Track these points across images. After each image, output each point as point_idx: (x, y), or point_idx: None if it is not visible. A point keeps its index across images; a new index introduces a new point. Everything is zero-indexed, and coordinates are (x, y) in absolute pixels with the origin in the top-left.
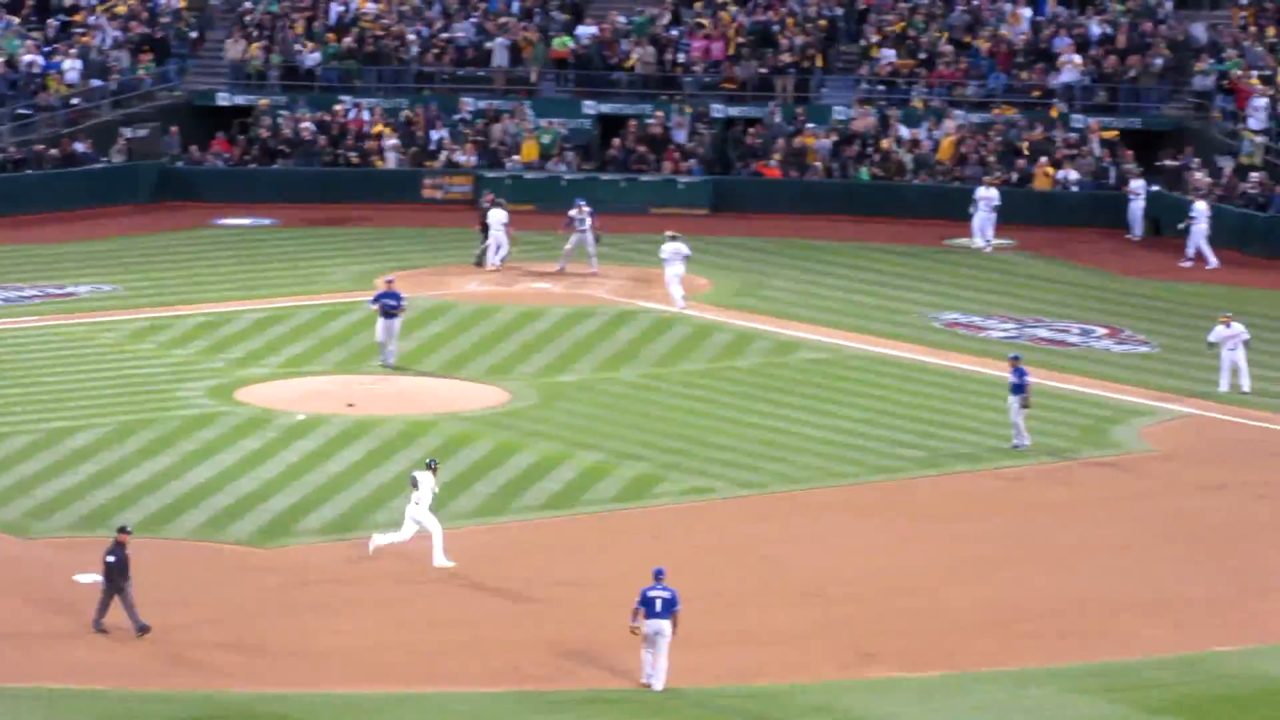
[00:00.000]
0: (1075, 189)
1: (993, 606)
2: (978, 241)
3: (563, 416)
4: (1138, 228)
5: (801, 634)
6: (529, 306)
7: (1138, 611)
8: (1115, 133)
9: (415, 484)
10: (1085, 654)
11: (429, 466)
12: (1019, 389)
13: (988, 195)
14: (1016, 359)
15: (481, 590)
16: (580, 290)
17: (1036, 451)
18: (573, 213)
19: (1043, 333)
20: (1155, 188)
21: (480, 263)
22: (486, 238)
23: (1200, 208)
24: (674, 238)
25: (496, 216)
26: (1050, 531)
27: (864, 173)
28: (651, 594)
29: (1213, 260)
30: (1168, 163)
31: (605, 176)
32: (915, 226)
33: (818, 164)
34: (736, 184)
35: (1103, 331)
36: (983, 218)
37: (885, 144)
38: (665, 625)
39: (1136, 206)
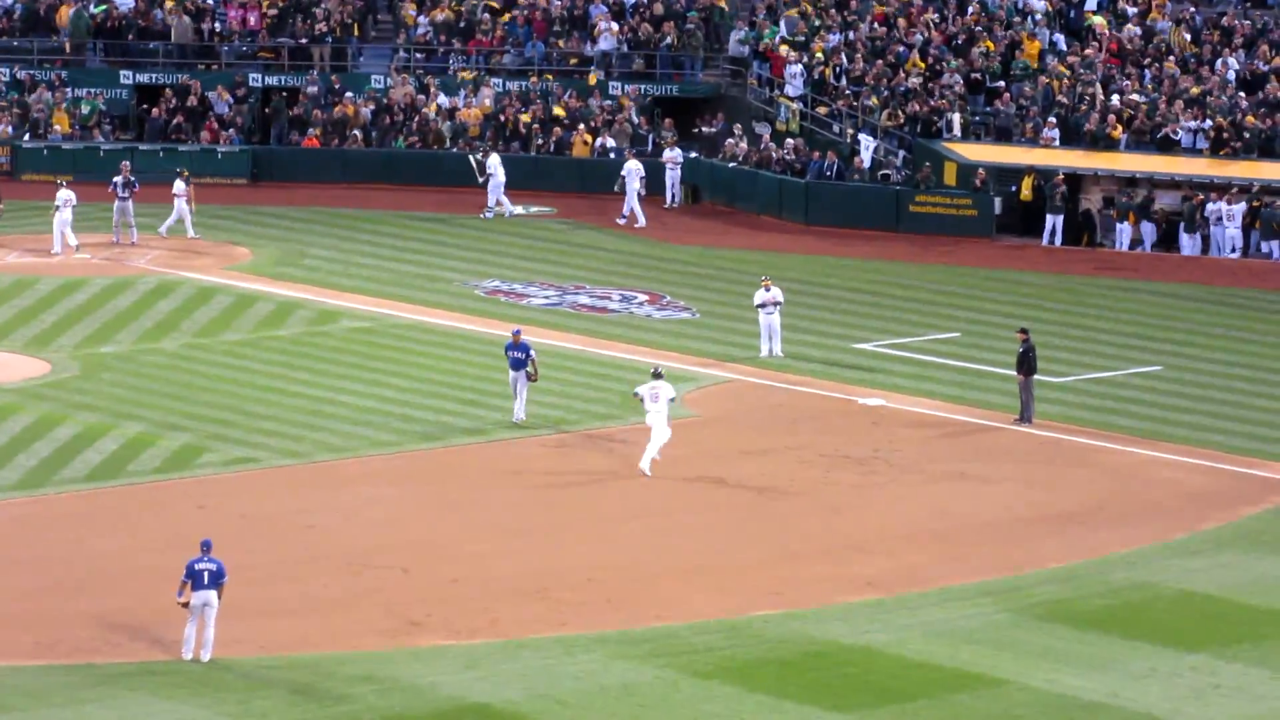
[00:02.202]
0: (613, 156)
1: (538, 573)
2: (514, 209)
3: (105, 388)
4: (674, 196)
5: (347, 603)
6: (69, 278)
7: (683, 577)
8: (631, 105)
9: (654, 397)
10: (632, 620)
11: (656, 375)
12: (520, 364)
13: (494, 165)
14: (518, 333)
15: (26, 563)
16: (121, 261)
17: (580, 418)
18: (116, 178)
19: (584, 300)
20: (694, 154)
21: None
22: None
23: (632, 166)
24: (65, 184)
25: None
26: (594, 498)
27: (400, 142)
28: (199, 566)
29: (641, 219)
30: (704, 129)
31: (144, 146)
32: (456, 195)
33: (357, 133)
34: (276, 154)
35: (644, 298)
36: (492, 184)
37: (425, 111)
38: (212, 596)
39: (672, 176)
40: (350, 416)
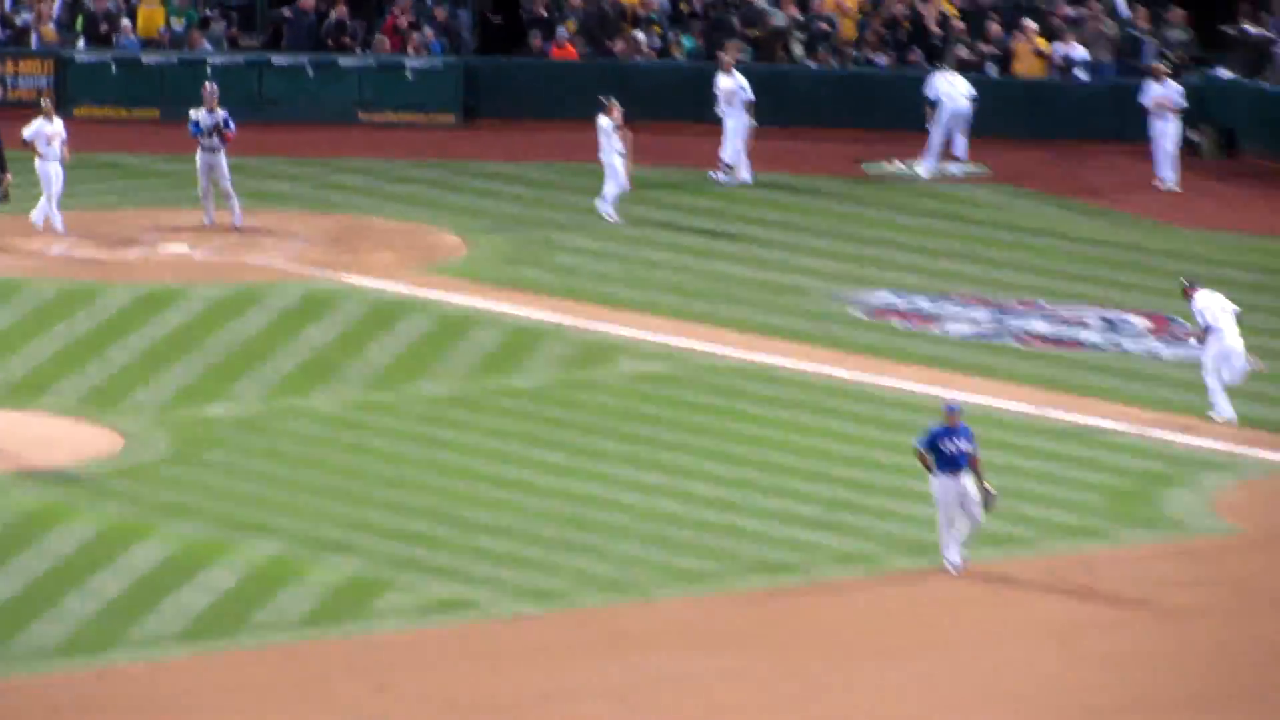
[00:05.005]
0: (1083, 76)
1: None
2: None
3: (214, 477)
4: (1167, 168)
5: None
6: (154, 286)
7: None
8: None
9: (1225, 309)
10: None
11: (1191, 286)
12: (960, 461)
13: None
14: (955, 409)
15: None
16: (240, 257)
17: (1038, 533)
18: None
19: (1038, 325)
20: (1223, 71)
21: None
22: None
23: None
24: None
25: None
26: (1065, 673)
27: (689, 39)
28: None
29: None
30: (1242, 30)
31: (279, 60)
32: (812, 141)
33: (639, 34)
34: (504, 71)
35: (1142, 323)
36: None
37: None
38: None
39: (1160, 128)
40: (635, 529)
